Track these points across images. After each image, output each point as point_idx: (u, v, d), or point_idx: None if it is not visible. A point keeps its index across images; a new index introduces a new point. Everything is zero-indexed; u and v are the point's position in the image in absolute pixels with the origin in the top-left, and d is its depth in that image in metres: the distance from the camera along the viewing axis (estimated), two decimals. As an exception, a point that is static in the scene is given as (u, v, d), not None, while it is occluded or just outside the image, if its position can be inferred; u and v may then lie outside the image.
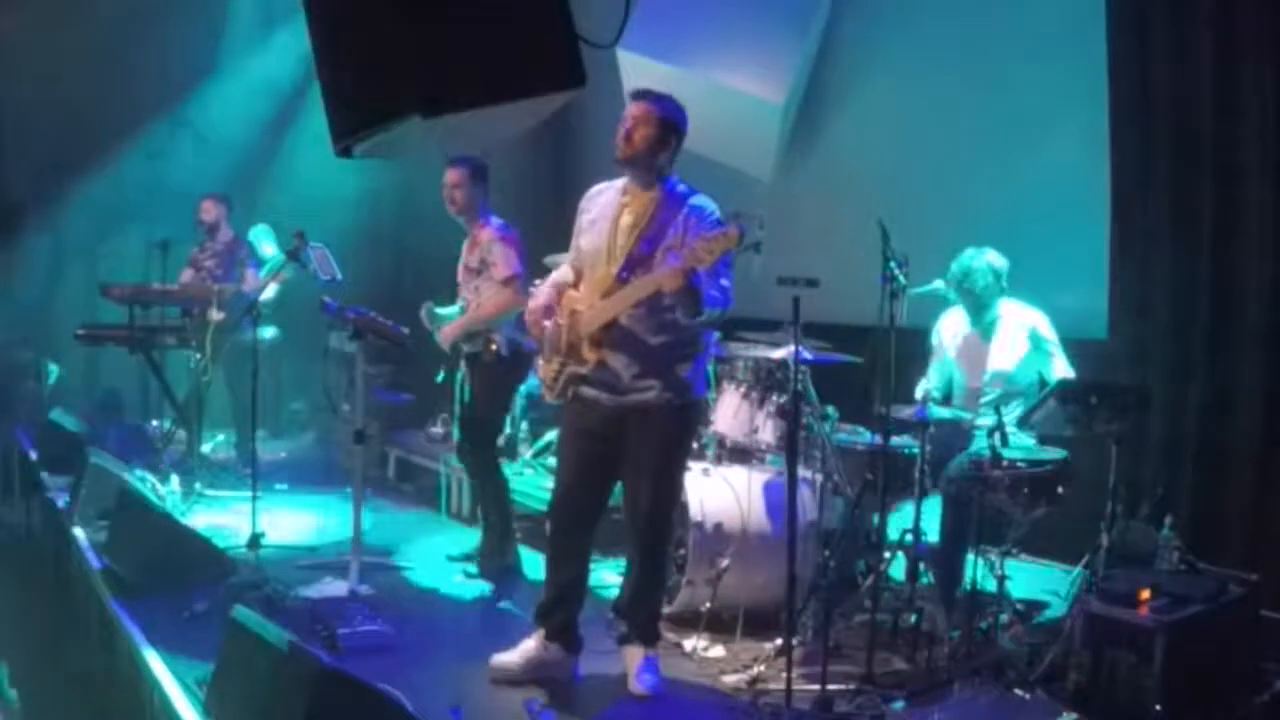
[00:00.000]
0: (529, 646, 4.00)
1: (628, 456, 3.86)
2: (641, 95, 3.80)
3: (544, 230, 6.16)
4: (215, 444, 7.61)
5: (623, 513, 4.01)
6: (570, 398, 3.93)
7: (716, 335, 4.60)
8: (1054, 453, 4.26)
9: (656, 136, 3.75)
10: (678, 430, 3.89)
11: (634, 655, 4.00)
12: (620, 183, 3.91)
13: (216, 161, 8.37)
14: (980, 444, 4.35)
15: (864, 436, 4.74)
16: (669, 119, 3.78)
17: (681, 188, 3.85)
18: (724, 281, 3.71)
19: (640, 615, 4.03)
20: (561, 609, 4.01)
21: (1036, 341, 4.66)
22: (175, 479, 5.98)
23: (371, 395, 7.07)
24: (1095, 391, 4.15)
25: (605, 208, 3.90)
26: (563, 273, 4.06)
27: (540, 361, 4.07)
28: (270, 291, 6.42)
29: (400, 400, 7.97)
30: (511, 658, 3.99)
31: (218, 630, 3.68)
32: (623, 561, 5.16)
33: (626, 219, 3.82)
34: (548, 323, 3.93)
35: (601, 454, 3.90)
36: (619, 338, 3.77)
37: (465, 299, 5.27)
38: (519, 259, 5.13)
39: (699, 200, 3.82)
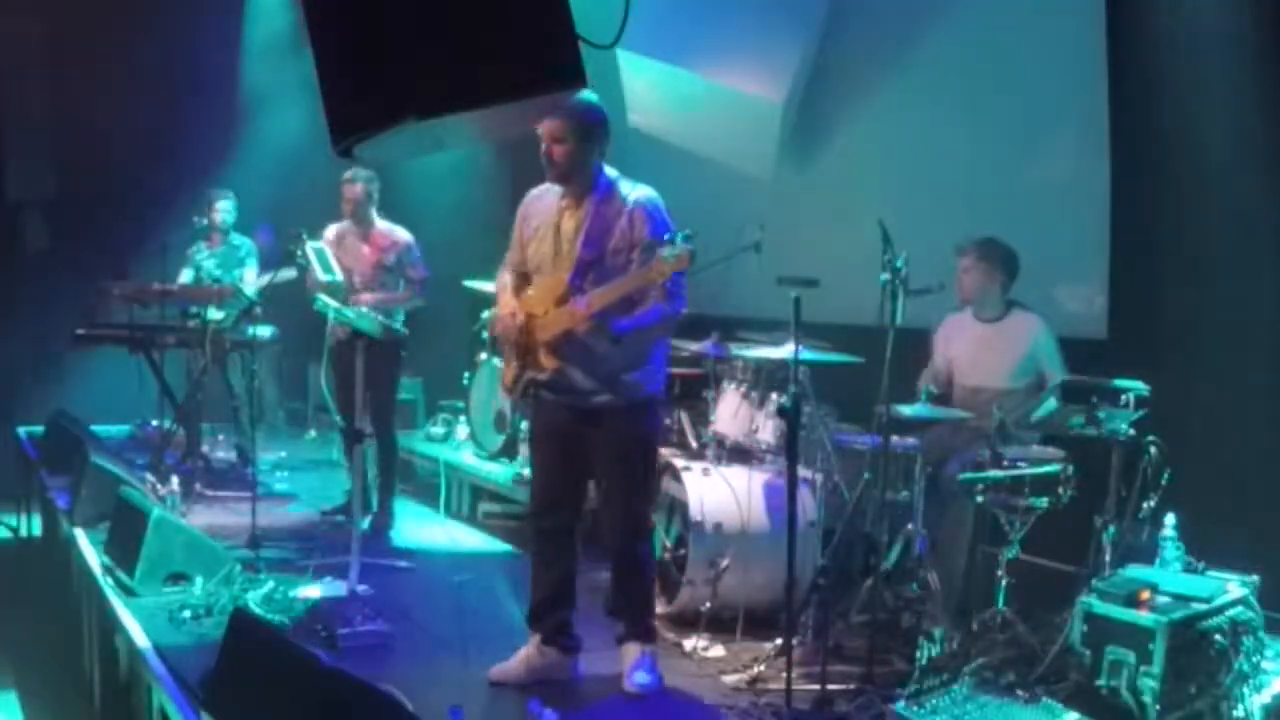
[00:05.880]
0: (527, 653, 4.02)
1: (596, 456, 3.89)
2: (557, 111, 3.63)
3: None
4: (215, 444, 7.60)
5: (599, 511, 4.00)
6: (532, 397, 3.96)
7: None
8: (1054, 453, 4.26)
9: (577, 147, 3.70)
10: (640, 428, 3.90)
11: (629, 653, 4.00)
12: (559, 187, 3.88)
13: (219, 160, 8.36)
14: (980, 444, 4.35)
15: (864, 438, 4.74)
16: (585, 122, 3.70)
17: (619, 183, 3.81)
18: (676, 289, 3.70)
19: (631, 613, 4.03)
20: (553, 612, 4.02)
21: (1036, 344, 4.66)
22: (175, 479, 5.97)
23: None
24: (1095, 391, 4.14)
25: (546, 214, 3.89)
26: (504, 281, 4.04)
27: (502, 364, 4.08)
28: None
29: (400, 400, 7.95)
30: (511, 666, 4.00)
31: (218, 630, 3.69)
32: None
33: (569, 224, 3.82)
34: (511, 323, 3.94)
35: (571, 454, 3.91)
36: (574, 349, 3.78)
37: None
38: None
39: (643, 198, 3.78)
